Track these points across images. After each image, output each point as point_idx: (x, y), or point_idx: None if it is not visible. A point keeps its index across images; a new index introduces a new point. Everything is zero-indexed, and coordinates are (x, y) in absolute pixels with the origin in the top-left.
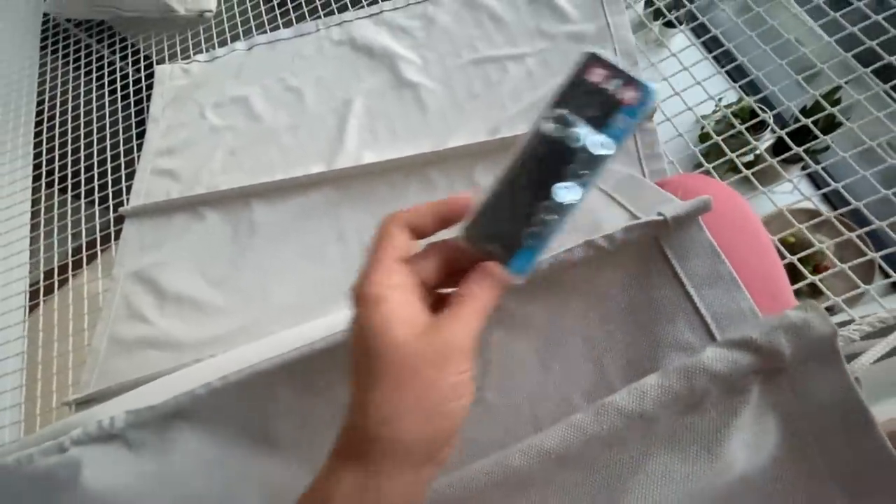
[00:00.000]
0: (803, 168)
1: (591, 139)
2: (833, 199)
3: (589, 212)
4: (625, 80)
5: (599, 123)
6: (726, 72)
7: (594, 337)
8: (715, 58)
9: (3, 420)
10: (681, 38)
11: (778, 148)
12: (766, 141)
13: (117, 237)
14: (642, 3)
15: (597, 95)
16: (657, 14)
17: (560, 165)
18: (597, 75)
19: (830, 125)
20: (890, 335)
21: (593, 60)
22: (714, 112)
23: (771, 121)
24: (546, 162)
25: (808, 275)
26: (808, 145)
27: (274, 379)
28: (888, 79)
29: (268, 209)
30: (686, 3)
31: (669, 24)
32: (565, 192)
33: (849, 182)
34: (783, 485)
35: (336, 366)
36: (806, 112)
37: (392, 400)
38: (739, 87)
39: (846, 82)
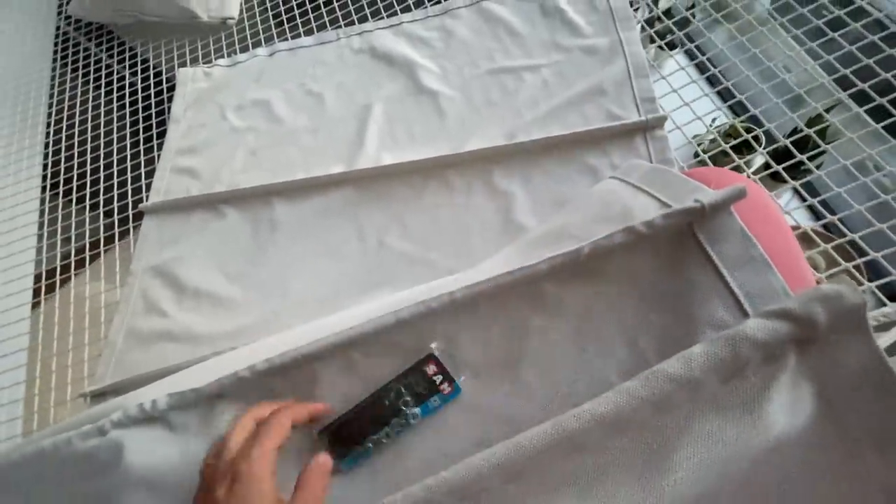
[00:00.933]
0: (795, 189)
1: (411, 409)
2: (822, 218)
3: (618, 202)
4: (446, 377)
5: (420, 400)
6: (719, 93)
7: (629, 319)
8: (709, 79)
9: (15, 412)
10: (676, 62)
11: (770, 167)
12: (759, 160)
13: (133, 233)
14: (638, 28)
15: (425, 381)
16: (653, 38)
17: (388, 417)
18: (430, 368)
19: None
20: (889, 331)
21: (432, 358)
22: (710, 129)
23: (763, 140)
24: (381, 412)
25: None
26: (802, 181)
27: (316, 361)
28: (880, 105)
29: (289, 207)
30: (691, 18)
31: (669, 46)
32: (385, 434)
33: (841, 198)
34: (820, 449)
35: (376, 348)
36: (798, 133)
37: None
38: (732, 107)
39: (838, 104)
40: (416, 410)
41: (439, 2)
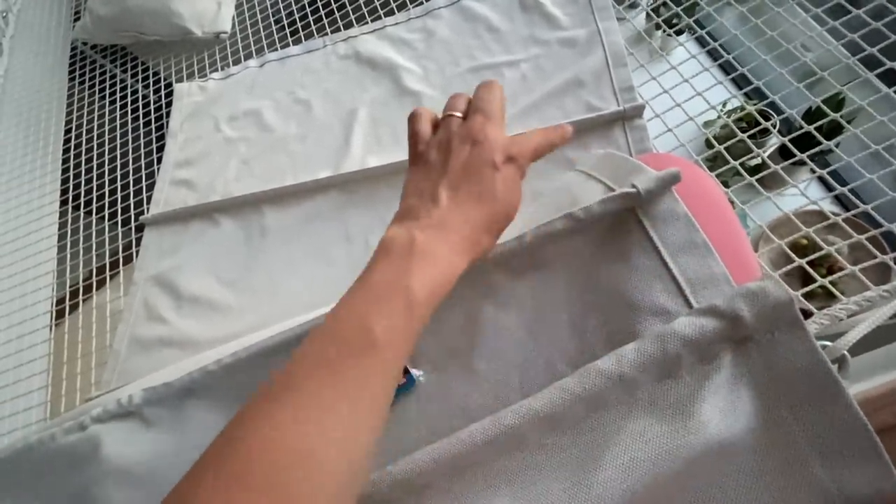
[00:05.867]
0: (812, 170)
1: None
2: (843, 198)
3: (569, 192)
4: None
5: None
6: (730, 75)
7: (577, 307)
8: (720, 65)
9: (30, 417)
10: (683, 44)
11: (786, 150)
12: (774, 144)
13: (137, 245)
14: (643, 15)
15: None
16: (659, 23)
17: None
18: None
19: (838, 125)
20: (876, 313)
21: None
22: (718, 118)
23: (777, 123)
24: None
25: (818, 277)
26: (814, 151)
27: (280, 353)
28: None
29: (278, 214)
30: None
31: (673, 29)
32: None
33: (856, 176)
34: (760, 453)
35: None
36: (811, 114)
37: None
38: (744, 91)
39: (851, 82)
40: None
41: (421, 3)
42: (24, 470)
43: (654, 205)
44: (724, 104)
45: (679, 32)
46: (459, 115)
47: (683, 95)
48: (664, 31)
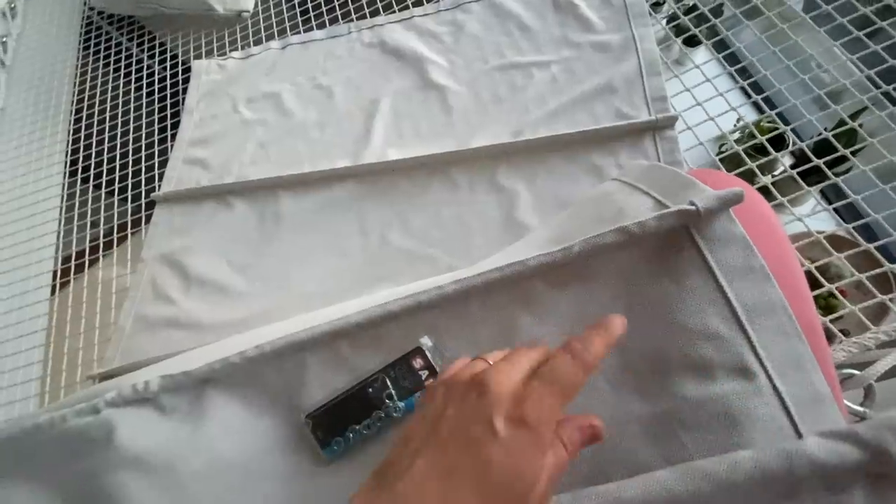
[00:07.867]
0: (824, 194)
1: (394, 403)
2: (850, 221)
3: (613, 202)
4: (432, 372)
5: (405, 394)
6: (746, 94)
7: None
8: (736, 80)
9: (29, 391)
10: (701, 57)
11: (798, 169)
12: (787, 165)
13: (146, 222)
14: (664, 22)
15: (411, 375)
16: (680, 33)
17: (370, 408)
18: (417, 362)
19: (851, 151)
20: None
21: (420, 351)
22: (733, 131)
23: (791, 143)
24: (366, 402)
25: (848, 304)
26: (841, 176)
27: (306, 350)
28: None
29: (294, 200)
30: (711, 18)
31: (691, 43)
32: (366, 425)
33: (873, 203)
34: None
35: (363, 340)
36: (825, 139)
37: None
38: (760, 111)
39: (868, 106)
40: (401, 405)
41: None
42: (30, 450)
43: (711, 224)
44: (738, 121)
45: (697, 43)
46: (491, 361)
47: (709, 110)
48: (684, 39)
